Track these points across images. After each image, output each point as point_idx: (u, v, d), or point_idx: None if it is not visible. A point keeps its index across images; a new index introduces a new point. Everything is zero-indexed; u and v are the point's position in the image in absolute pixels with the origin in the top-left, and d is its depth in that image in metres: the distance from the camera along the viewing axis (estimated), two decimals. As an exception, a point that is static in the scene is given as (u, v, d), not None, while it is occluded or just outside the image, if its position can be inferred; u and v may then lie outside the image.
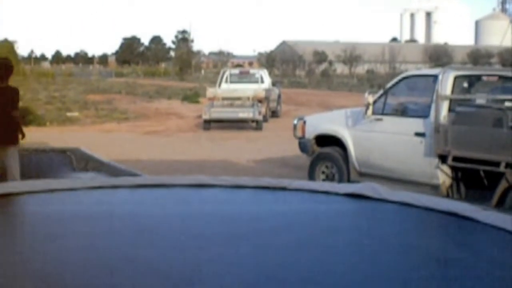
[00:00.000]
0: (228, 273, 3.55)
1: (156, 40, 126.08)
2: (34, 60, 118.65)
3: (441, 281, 3.58)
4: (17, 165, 8.84)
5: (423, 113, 10.68)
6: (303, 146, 12.59)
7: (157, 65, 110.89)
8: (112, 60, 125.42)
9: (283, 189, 5.27)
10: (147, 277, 3.56)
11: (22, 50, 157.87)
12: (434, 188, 10.25)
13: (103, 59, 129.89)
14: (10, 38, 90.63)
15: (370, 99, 11.28)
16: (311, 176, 12.03)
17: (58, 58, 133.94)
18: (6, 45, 77.60)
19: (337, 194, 5.92)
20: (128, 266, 3.74)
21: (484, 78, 11.73)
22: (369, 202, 5.64)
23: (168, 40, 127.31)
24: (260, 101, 27.33)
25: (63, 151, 9.91)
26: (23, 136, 9.42)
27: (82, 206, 5.42)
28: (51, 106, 35.60)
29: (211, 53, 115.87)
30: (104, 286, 3.42)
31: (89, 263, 3.82)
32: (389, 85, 11.57)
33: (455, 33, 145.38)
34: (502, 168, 9.39)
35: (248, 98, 26.85)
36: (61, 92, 46.77)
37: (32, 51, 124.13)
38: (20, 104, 9.31)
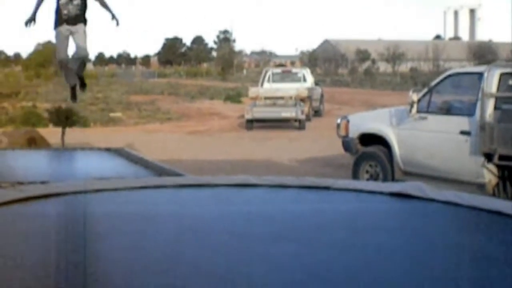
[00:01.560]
0: (272, 273, 3.53)
1: (198, 40, 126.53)
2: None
3: (487, 281, 3.53)
4: None
5: (468, 111, 10.57)
6: (346, 145, 12.53)
7: (199, 65, 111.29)
8: (154, 60, 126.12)
9: (327, 188, 5.23)
10: (192, 277, 3.55)
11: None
12: (480, 187, 10.14)
13: (146, 60, 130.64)
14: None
15: (415, 97, 11.19)
16: (355, 176, 11.97)
17: (101, 59, 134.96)
18: (50, 47, 78.60)
19: (382, 193, 5.87)
20: (172, 266, 3.74)
21: (530, 75, 11.56)
22: (415, 201, 5.59)
23: (210, 40, 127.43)
24: (302, 100, 27.25)
25: (107, 151, 9.97)
26: None
27: (126, 207, 5.44)
28: (94, 107, 35.96)
29: (253, 53, 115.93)
30: (150, 286, 3.42)
31: (134, 263, 3.83)
32: (433, 83, 11.48)
33: (499, 30, 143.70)
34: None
35: (291, 98, 26.79)
36: (104, 93, 47.17)
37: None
38: (65, 105, 9.40)
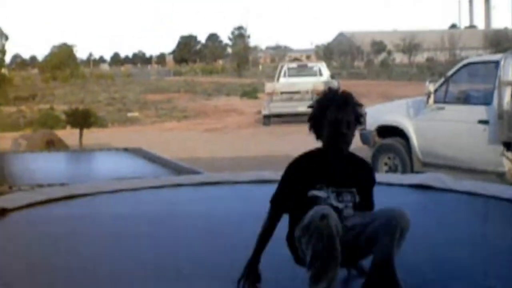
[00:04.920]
0: (292, 271, 3.52)
1: (213, 37, 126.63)
2: (93, 62, 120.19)
3: (509, 269, 3.51)
4: None
5: (485, 100, 10.50)
6: (364, 138, 12.47)
7: (214, 62, 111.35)
8: (169, 59, 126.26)
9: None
10: (211, 275, 3.55)
11: (81, 53, 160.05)
12: (500, 176, 10.07)
13: (161, 58, 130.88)
14: (69, 42, 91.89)
15: (431, 88, 11.12)
16: (374, 168, 11.91)
17: (116, 59, 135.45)
18: (65, 49, 78.93)
19: (402, 185, 5.86)
20: (191, 264, 3.74)
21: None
22: (435, 192, 5.57)
23: (225, 37, 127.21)
24: (319, 94, 27.18)
25: (125, 151, 10.00)
26: None
27: (146, 206, 5.45)
28: (111, 108, 36.03)
29: (268, 48, 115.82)
30: (169, 283, 3.43)
31: (155, 263, 3.83)
32: (450, 73, 11.40)
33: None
34: None
35: (307, 92, 26.69)
36: (121, 93, 47.27)
37: (90, 54, 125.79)
38: (81, 106, 9.42)
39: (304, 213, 3.13)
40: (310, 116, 3.57)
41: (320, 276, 3.05)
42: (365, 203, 3.45)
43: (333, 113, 3.42)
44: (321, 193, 3.33)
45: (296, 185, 3.36)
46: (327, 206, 3.13)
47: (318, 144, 3.55)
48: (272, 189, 3.48)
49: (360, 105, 3.50)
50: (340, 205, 3.32)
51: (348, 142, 3.45)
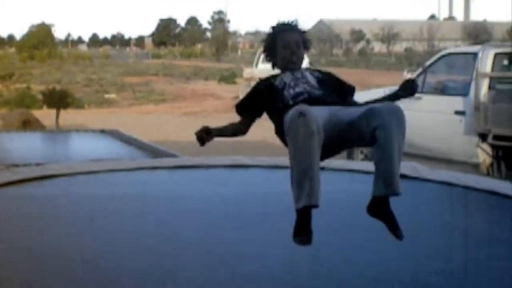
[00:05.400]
0: (266, 253, 3.54)
1: (192, 21, 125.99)
2: (71, 43, 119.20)
3: (481, 260, 3.54)
4: None
5: (462, 91, 10.56)
6: (341, 126, 12.52)
7: (193, 46, 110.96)
8: (148, 41, 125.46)
9: (322, 169, 5.23)
10: (186, 256, 3.56)
11: (59, 33, 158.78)
12: (474, 167, 10.14)
13: (140, 41, 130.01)
14: (47, 22, 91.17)
15: (409, 77, 11.17)
16: (350, 156, 11.96)
17: (95, 40, 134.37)
18: (43, 29, 78.29)
19: (376, 173, 5.89)
20: (167, 246, 3.75)
21: (525, 55, 11.55)
22: (409, 181, 5.61)
23: (204, 21, 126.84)
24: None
25: (101, 133, 9.97)
26: None
27: (121, 188, 5.45)
28: (89, 89, 35.86)
29: (247, 33, 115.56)
30: (144, 266, 3.44)
31: (129, 244, 3.84)
32: (428, 63, 11.45)
33: (494, 9, 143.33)
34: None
35: (285, 78, 26.74)
36: (99, 75, 47.01)
37: (69, 34, 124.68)
38: (59, 87, 9.35)
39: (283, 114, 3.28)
40: (264, 48, 3.85)
41: (302, 179, 3.17)
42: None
43: (283, 37, 3.71)
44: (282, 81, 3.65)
45: (259, 95, 3.73)
46: (306, 105, 3.20)
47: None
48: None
49: (304, 32, 3.82)
50: (302, 87, 3.58)
51: (300, 59, 3.74)
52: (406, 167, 5.91)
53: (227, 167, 6.10)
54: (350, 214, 4.31)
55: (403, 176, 5.63)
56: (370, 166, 6.31)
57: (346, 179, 5.62)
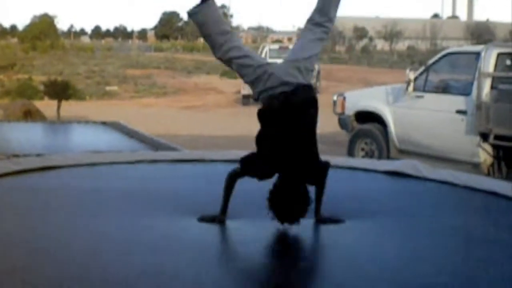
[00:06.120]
0: (261, 249, 3.53)
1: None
2: (74, 34, 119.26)
3: (480, 261, 3.54)
4: None
5: (465, 91, 10.54)
6: (342, 123, 12.50)
7: (196, 40, 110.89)
8: (151, 34, 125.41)
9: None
10: (184, 251, 3.56)
11: (62, 25, 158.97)
12: (475, 167, 10.14)
13: (142, 33, 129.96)
14: (50, 13, 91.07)
15: (411, 75, 11.16)
16: (351, 153, 11.95)
17: (97, 32, 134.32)
18: (46, 20, 78.24)
19: (377, 171, 5.88)
20: (167, 241, 3.75)
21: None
22: (409, 180, 5.60)
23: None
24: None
25: (103, 125, 9.97)
26: None
27: (121, 180, 5.45)
28: (90, 81, 35.87)
29: (250, 28, 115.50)
30: (142, 261, 3.43)
31: (129, 237, 3.83)
32: (430, 62, 11.44)
33: (497, 10, 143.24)
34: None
35: (287, 74, 26.70)
36: (101, 67, 47.01)
37: (72, 26, 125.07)
38: (60, 78, 9.34)
39: None
40: None
41: None
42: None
43: None
44: None
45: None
46: None
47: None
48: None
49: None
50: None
51: None
52: (406, 165, 5.91)
53: (228, 161, 6.09)
54: (348, 212, 4.31)
55: (404, 175, 5.64)
56: (371, 163, 6.31)
57: (346, 176, 5.61)
